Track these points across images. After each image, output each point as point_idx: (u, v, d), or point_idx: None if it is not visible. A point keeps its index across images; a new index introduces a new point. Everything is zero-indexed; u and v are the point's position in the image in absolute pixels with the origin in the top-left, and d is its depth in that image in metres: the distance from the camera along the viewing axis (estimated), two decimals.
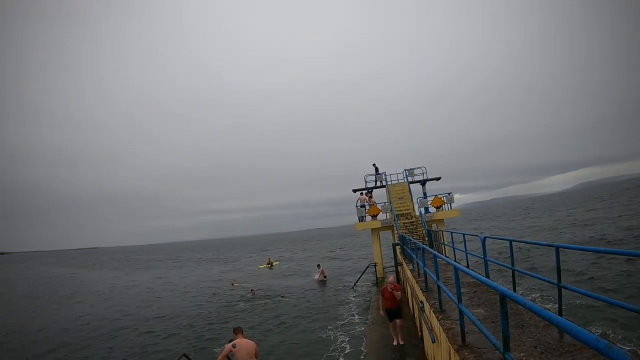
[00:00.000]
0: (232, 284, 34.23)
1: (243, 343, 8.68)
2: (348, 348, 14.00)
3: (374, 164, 28.82)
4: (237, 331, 8.95)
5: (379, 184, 27.99)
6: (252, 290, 27.45)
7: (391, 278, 11.60)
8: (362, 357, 12.69)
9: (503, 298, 3.60)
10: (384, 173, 27.97)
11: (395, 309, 11.40)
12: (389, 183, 27.60)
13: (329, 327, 16.79)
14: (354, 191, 28.16)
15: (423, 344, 10.47)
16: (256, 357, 8.76)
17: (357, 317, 18.11)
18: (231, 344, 8.71)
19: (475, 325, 4.59)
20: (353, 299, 22.06)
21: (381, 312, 11.88)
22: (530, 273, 7.48)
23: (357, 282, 26.05)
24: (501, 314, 3.62)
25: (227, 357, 9.28)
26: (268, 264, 49.73)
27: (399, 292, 11.40)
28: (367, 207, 25.66)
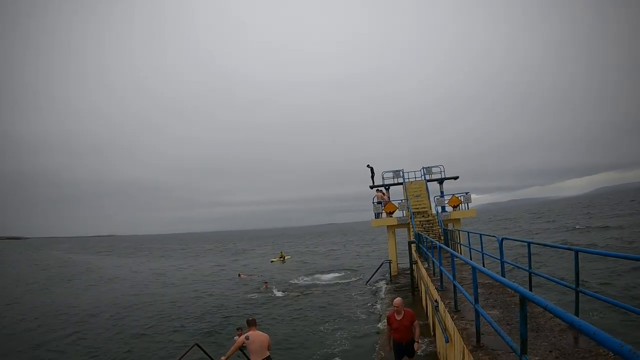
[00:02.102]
0: (239, 276, 34.79)
1: (256, 335, 8.77)
2: (349, 346, 13.99)
3: (368, 165, 28.60)
4: (251, 323, 9.01)
5: (395, 181, 27.72)
6: (264, 283, 27.63)
7: (397, 300, 8.69)
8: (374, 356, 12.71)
9: (523, 300, 3.61)
10: (402, 170, 27.75)
11: (407, 344, 8.41)
12: (406, 181, 27.45)
13: (337, 324, 16.79)
14: (371, 187, 28.07)
15: (435, 343, 10.48)
16: (269, 350, 8.87)
17: (366, 315, 17.99)
18: (244, 335, 8.81)
19: (492, 326, 4.60)
20: (366, 296, 22.02)
21: (387, 347, 9.05)
22: (548, 276, 7.44)
23: (371, 278, 26.03)
24: (520, 316, 3.64)
25: (240, 349, 9.43)
26: (280, 257, 50.14)
27: (416, 322, 8.56)
28: (383, 204, 25.55)
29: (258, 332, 8.94)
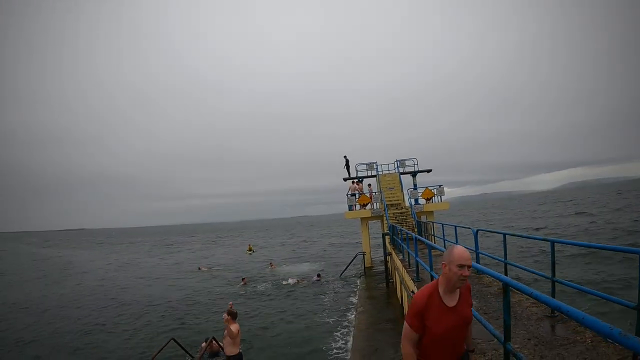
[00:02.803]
0: (199, 269, 34.65)
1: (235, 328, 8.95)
2: (331, 336, 13.99)
3: (345, 156, 28.83)
4: (234, 316, 9.22)
5: (369, 173, 27.91)
6: (243, 278, 27.32)
7: (462, 251, 3.40)
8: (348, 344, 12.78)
9: (506, 288, 3.67)
10: (375, 163, 27.96)
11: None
12: (380, 173, 27.67)
13: (311, 317, 16.73)
14: (345, 180, 28.18)
15: None
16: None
17: (341, 307, 18.08)
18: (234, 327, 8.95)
19: (473, 314, 4.66)
20: (340, 288, 22.12)
21: None
22: (523, 267, 7.61)
23: (344, 270, 26.14)
24: (504, 304, 3.70)
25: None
26: (249, 250, 50.44)
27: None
28: (357, 195, 25.69)
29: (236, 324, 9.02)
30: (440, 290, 3.41)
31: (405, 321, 3.41)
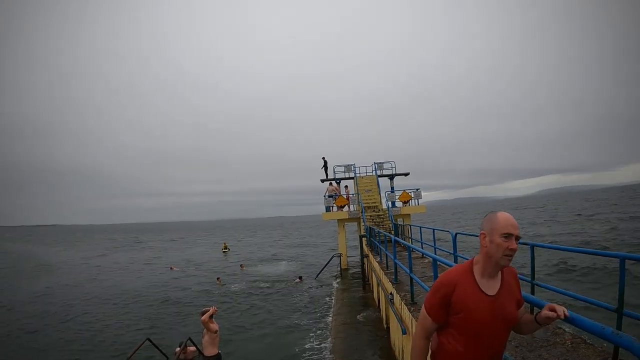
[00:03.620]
0: (171, 268, 34.27)
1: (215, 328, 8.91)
2: (308, 338, 13.90)
3: (323, 157, 28.87)
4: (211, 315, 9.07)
5: (347, 175, 27.93)
6: (218, 278, 26.95)
7: (506, 216, 2.52)
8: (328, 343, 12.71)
9: None
10: (353, 165, 28.02)
11: None
12: (357, 175, 27.73)
13: (286, 319, 16.55)
14: (323, 181, 28.15)
15: (390, 336, 10.61)
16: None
17: (317, 309, 18.01)
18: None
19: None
20: (316, 290, 22.04)
21: None
22: None
23: (320, 272, 26.05)
24: None
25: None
26: (224, 249, 50.23)
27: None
28: (335, 197, 25.68)
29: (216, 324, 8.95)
30: (476, 271, 2.47)
31: (423, 306, 2.55)
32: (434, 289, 2.52)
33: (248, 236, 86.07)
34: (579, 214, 59.54)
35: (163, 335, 14.89)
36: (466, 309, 2.48)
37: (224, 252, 48.45)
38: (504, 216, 2.43)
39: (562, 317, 2.50)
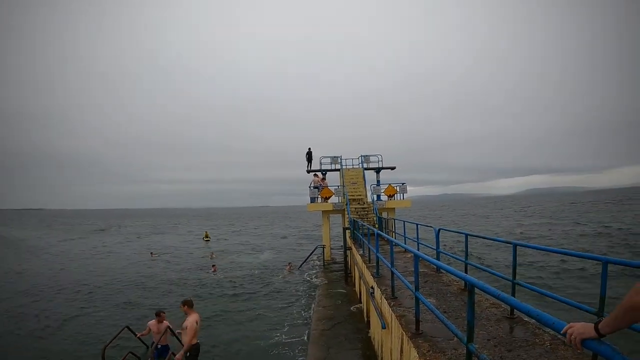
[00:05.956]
0: (151, 255, 34.15)
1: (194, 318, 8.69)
2: (289, 330, 13.86)
3: (309, 148, 28.65)
4: (191, 304, 8.93)
5: (333, 167, 27.78)
6: (213, 265, 26.70)
7: None
8: (305, 337, 12.66)
9: (471, 288, 3.58)
10: (340, 157, 27.87)
11: None
12: (344, 167, 27.61)
13: (269, 310, 16.46)
14: (308, 172, 27.99)
15: (370, 329, 10.57)
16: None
17: (300, 300, 17.99)
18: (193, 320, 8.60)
19: (435, 314, 4.60)
20: (298, 281, 21.98)
21: None
22: (484, 267, 7.67)
23: (303, 263, 26.06)
24: (468, 304, 3.60)
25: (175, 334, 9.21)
26: (205, 237, 50.07)
27: None
28: (320, 188, 25.52)
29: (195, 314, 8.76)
30: None
31: None
32: None
33: (230, 225, 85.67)
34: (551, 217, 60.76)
35: (142, 322, 14.72)
36: None
37: (205, 240, 48.28)
38: None
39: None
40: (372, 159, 27.59)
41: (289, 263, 25.86)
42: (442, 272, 9.61)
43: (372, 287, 9.54)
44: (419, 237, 12.14)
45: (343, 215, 25.19)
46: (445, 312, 6.37)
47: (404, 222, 14.63)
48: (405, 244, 13.94)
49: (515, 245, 5.94)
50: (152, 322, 9.75)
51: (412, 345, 5.23)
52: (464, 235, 8.19)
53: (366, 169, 27.42)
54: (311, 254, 26.63)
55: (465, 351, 3.64)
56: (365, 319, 11.63)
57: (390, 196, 25.08)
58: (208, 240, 48.28)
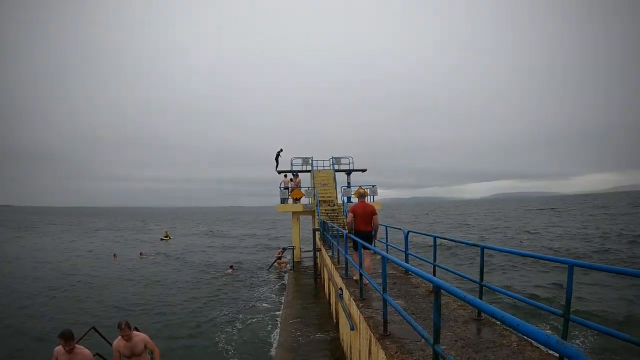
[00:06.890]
0: (114, 256, 33.46)
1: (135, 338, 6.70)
2: (255, 334, 13.66)
3: (280, 149, 28.49)
4: (127, 326, 6.55)
5: (304, 168, 27.65)
6: (231, 266, 26.17)
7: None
8: (274, 336, 12.54)
9: (438, 290, 3.56)
10: (311, 158, 27.77)
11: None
12: (314, 169, 27.53)
13: (237, 311, 16.31)
14: (279, 172, 27.78)
15: (338, 331, 10.52)
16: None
17: (272, 299, 17.90)
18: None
19: (402, 315, 4.58)
20: (267, 282, 21.80)
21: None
22: (452, 270, 7.70)
23: (273, 263, 25.89)
24: (434, 306, 3.58)
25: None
26: (165, 236, 49.78)
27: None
28: (290, 189, 25.38)
29: (137, 334, 6.82)
30: None
31: None
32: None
33: (195, 225, 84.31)
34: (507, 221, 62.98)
35: (111, 321, 14.29)
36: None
37: (163, 239, 47.88)
38: None
39: None
40: (342, 160, 27.62)
41: (231, 265, 25.83)
42: (411, 274, 9.64)
43: (340, 289, 9.49)
44: (389, 239, 12.12)
45: (313, 217, 25.11)
46: (413, 313, 6.37)
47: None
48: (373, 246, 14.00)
49: (482, 248, 5.98)
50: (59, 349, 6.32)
51: (380, 346, 5.19)
52: (432, 237, 8.22)
53: (337, 170, 27.42)
54: (281, 255, 26.49)
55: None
56: (334, 321, 11.58)
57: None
58: (167, 239, 48.01)
